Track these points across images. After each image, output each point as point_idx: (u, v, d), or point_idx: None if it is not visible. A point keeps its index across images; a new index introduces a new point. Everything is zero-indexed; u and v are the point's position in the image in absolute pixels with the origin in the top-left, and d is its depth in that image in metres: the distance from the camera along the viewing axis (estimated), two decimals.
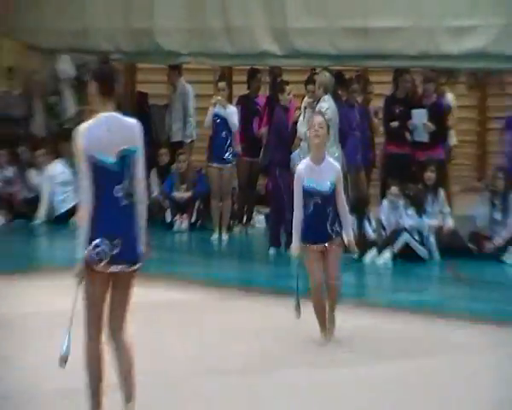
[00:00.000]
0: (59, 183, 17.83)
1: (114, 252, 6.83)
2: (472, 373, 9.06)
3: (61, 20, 18.12)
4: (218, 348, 9.58)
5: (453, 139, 17.10)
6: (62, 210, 17.68)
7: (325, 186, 9.51)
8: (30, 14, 18.66)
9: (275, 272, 13.93)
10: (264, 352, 9.44)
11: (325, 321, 9.69)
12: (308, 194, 9.53)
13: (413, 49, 14.63)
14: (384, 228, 14.80)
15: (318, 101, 15.12)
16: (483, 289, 13.14)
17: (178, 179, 17.67)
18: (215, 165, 16.80)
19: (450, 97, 17.11)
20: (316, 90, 15.35)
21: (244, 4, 16.13)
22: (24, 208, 17.93)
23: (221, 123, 16.65)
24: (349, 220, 9.96)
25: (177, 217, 17.31)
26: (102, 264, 6.78)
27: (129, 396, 6.98)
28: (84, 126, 7.00)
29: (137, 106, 18.72)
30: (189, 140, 18.34)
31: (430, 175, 15.43)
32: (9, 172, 18.26)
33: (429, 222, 14.95)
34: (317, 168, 9.53)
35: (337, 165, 9.78)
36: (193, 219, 17.49)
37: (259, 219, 17.20)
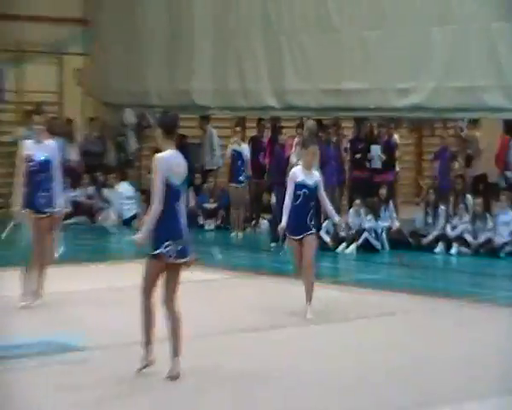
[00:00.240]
0: (124, 197, 17.90)
1: (178, 249, 6.86)
2: (403, 327, 9.07)
3: (126, 84, 18.23)
4: (235, 312, 9.53)
5: (398, 167, 17.10)
6: (127, 216, 17.73)
7: (311, 182, 9.33)
8: (104, 80, 18.74)
9: (274, 259, 13.92)
10: (267, 315, 9.39)
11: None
12: (300, 186, 9.30)
13: (371, 104, 14.67)
14: (350, 228, 14.78)
15: None
16: (419, 271, 13.11)
17: (208, 195, 17.74)
18: (233, 185, 16.84)
19: (396, 137, 17.11)
20: (303, 133, 15.39)
21: (254, 73, 16.20)
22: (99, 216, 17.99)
23: (237, 155, 16.71)
24: (332, 208, 9.70)
25: (207, 221, 17.37)
26: (171, 258, 6.82)
27: (176, 351, 6.90)
28: (161, 156, 6.91)
29: (179, 144, 18.66)
30: (215, 167, 18.40)
31: (383, 191, 15.46)
32: (90, 190, 18.33)
33: (382, 224, 14.96)
34: (307, 172, 9.38)
35: (318, 175, 9.55)
36: (218, 222, 17.58)
37: (264, 223, 17.21)
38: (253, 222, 17.44)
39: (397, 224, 15.30)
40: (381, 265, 13.79)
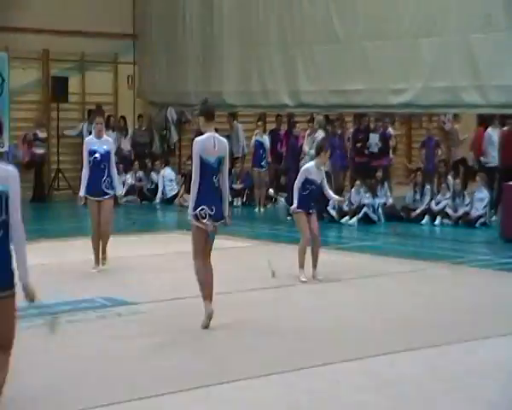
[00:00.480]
0: (168, 179, 17.93)
1: (211, 213, 6.86)
2: (392, 285, 9.03)
3: (168, 86, 18.25)
4: (252, 273, 9.49)
5: (391, 153, 17.02)
6: (170, 195, 17.74)
7: (319, 180, 9.33)
8: (150, 83, 18.78)
9: (289, 230, 13.94)
10: (278, 275, 9.24)
11: (304, 261, 9.19)
12: (310, 181, 9.27)
13: (369, 102, 14.57)
14: (352, 204, 14.75)
15: (315, 132, 15.16)
16: (409, 240, 13.09)
17: (235, 177, 17.73)
18: (256, 169, 16.84)
19: (390, 129, 17.02)
20: (314, 126, 15.38)
21: (273, 77, 16.14)
22: (148, 195, 18.03)
23: (259, 145, 16.70)
24: (332, 193, 9.73)
25: (235, 199, 17.37)
26: (205, 220, 6.83)
27: (209, 296, 6.95)
28: (198, 139, 6.94)
29: None
30: (240, 155, 18.37)
31: (379, 174, 15.43)
32: (139, 174, 18.36)
33: (379, 201, 14.94)
34: (318, 171, 9.35)
35: (324, 172, 9.56)
36: (243, 200, 17.58)
37: (281, 200, 17.23)
38: (273, 199, 17.44)
39: (391, 200, 15.29)
40: (377, 234, 13.77)
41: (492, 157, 15.44)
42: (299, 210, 9.31)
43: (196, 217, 6.88)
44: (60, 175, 18.02)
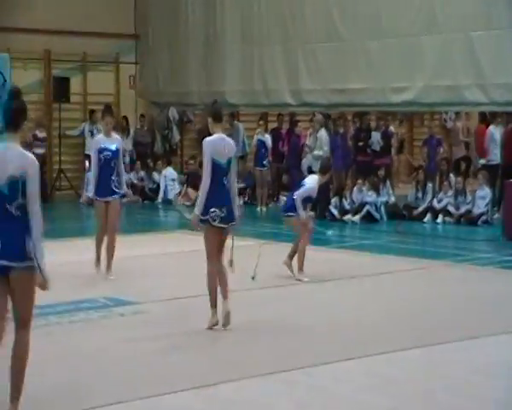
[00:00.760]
0: (169, 179, 17.91)
1: (222, 215, 6.84)
2: (394, 284, 9.05)
3: (170, 87, 18.25)
4: (252, 273, 9.48)
5: (396, 152, 17.01)
6: (171, 195, 17.66)
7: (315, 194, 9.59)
8: (152, 83, 18.78)
9: (290, 230, 13.87)
10: (279, 269, 9.34)
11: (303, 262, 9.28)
12: (310, 199, 9.53)
13: (371, 101, 14.56)
14: (354, 202, 14.74)
15: (317, 131, 15.16)
16: (411, 238, 13.04)
17: (237, 176, 17.67)
18: (258, 168, 16.82)
19: (392, 128, 17.00)
20: (315, 125, 15.37)
21: (274, 76, 16.13)
22: (150, 194, 18.03)
23: (261, 144, 16.66)
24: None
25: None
26: (216, 223, 6.82)
27: (225, 295, 6.92)
28: (207, 140, 6.88)
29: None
30: (241, 154, 18.25)
31: (381, 172, 15.41)
32: (141, 174, 18.36)
33: (381, 199, 14.92)
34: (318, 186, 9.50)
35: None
36: (245, 199, 17.54)
37: (283, 199, 17.18)
38: (274, 198, 17.41)
39: (393, 199, 15.27)
40: (380, 232, 13.75)
41: (494, 155, 15.42)
42: (293, 214, 9.38)
43: (207, 220, 6.83)
44: (62, 175, 18.01)
